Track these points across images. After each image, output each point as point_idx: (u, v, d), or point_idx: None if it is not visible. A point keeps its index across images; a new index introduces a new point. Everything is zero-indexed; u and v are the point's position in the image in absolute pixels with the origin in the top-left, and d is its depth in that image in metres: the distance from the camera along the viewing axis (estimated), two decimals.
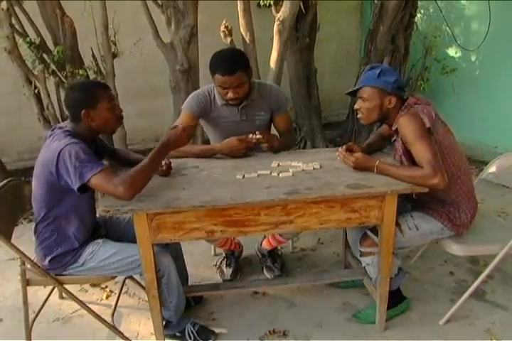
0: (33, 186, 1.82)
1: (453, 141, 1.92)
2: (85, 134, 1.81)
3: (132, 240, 1.81)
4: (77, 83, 1.92)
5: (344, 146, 2.01)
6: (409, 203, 2.12)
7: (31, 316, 1.98)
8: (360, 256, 2.05)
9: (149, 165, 1.71)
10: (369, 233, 1.99)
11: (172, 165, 1.99)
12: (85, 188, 1.68)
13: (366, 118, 1.94)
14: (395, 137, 1.96)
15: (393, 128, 1.91)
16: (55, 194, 1.76)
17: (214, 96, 2.24)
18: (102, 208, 1.66)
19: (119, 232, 2.05)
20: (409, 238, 1.98)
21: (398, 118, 1.86)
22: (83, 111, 1.75)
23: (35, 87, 3.13)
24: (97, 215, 1.98)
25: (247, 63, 2.14)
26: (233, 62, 2.07)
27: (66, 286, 1.94)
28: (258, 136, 2.13)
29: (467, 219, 1.99)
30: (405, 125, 1.81)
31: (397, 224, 1.96)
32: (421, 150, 1.77)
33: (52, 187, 1.75)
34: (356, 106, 1.95)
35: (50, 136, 1.77)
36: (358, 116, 1.97)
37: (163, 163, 1.91)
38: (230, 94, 2.11)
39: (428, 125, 1.80)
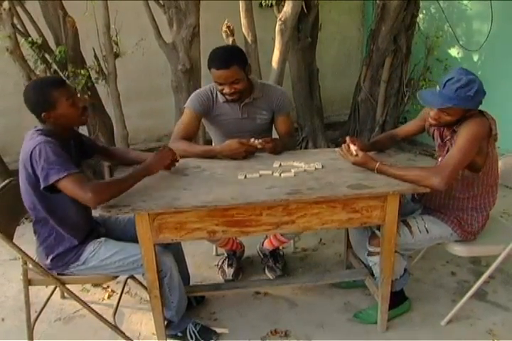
0: (20, 188, 1.79)
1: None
2: (57, 132, 1.77)
3: (132, 240, 1.81)
4: (31, 85, 1.78)
5: (348, 138, 1.98)
6: (419, 204, 2.13)
7: (33, 316, 1.98)
8: (368, 255, 2.05)
9: (127, 180, 1.72)
10: (377, 232, 1.98)
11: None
12: (54, 188, 1.66)
13: (439, 125, 1.90)
14: (448, 137, 1.93)
15: (455, 129, 1.87)
16: (39, 194, 1.74)
17: (216, 93, 2.25)
18: (104, 208, 1.65)
19: (119, 232, 2.04)
20: (417, 240, 1.98)
21: (467, 119, 1.83)
22: (43, 114, 1.72)
23: None
24: (97, 215, 1.97)
25: (243, 59, 2.12)
26: (228, 57, 2.07)
27: (68, 286, 1.94)
28: (262, 141, 2.12)
29: (478, 227, 2.00)
30: (471, 126, 1.80)
31: (408, 226, 1.97)
32: (456, 152, 1.77)
33: (34, 188, 1.72)
34: (434, 116, 1.84)
35: (28, 135, 1.75)
36: (433, 124, 1.88)
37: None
38: (226, 90, 2.11)
39: (495, 131, 1.84)
